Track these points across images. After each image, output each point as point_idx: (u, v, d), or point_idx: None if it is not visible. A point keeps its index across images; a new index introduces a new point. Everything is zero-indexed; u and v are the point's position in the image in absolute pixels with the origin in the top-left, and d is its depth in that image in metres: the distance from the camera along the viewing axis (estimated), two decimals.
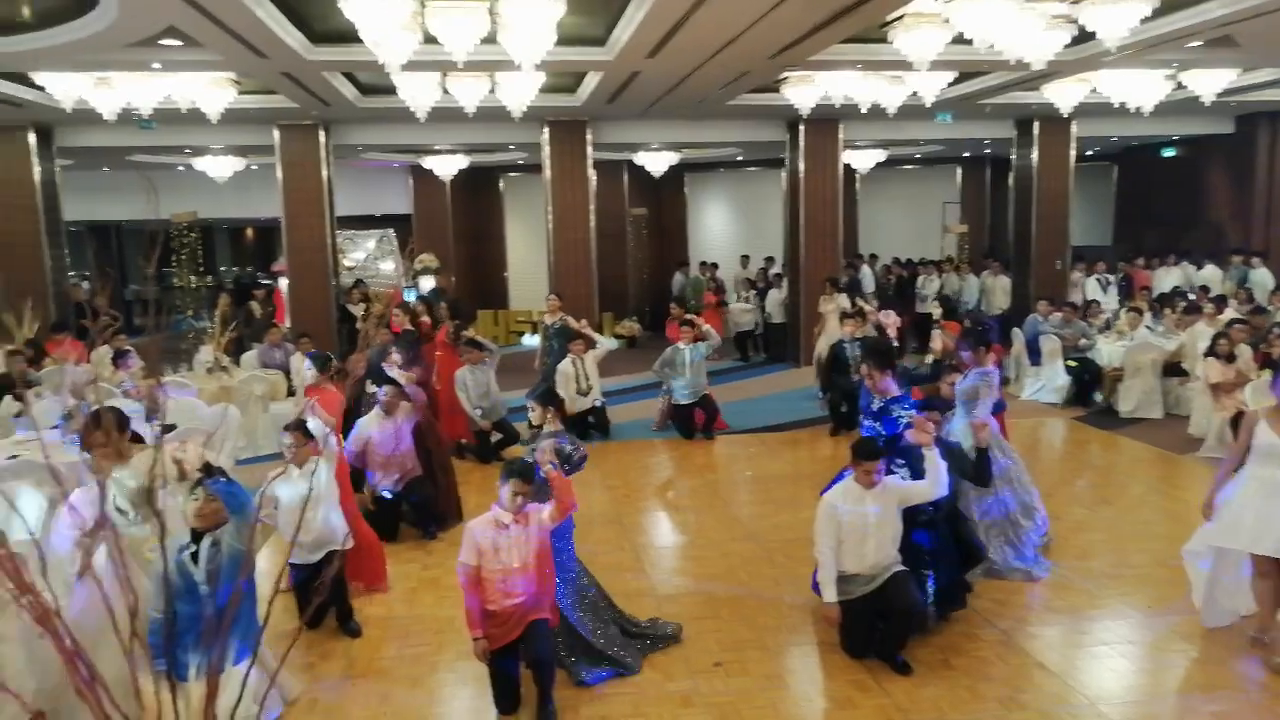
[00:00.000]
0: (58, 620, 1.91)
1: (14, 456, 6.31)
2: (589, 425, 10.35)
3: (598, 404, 10.35)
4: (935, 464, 5.09)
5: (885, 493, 5.04)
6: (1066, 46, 8.25)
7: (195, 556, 3.83)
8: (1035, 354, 12.11)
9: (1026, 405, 11.61)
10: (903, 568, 5.08)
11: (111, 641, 3.48)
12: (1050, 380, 11.84)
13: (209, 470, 3.88)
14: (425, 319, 10.40)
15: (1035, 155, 14.87)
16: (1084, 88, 11.15)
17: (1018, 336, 12.58)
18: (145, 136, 12.77)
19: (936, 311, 12.20)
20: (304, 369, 9.53)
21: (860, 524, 4.98)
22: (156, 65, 9.10)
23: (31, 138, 12.63)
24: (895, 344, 9.94)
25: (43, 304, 12.08)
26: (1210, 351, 9.35)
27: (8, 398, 8.63)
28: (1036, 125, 14.69)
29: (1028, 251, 15.25)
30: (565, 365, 10.18)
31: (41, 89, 10.05)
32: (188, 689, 2.18)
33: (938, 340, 9.19)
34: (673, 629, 5.37)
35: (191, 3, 6.93)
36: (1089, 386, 11.50)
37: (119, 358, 8.93)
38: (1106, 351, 11.38)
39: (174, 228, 13.48)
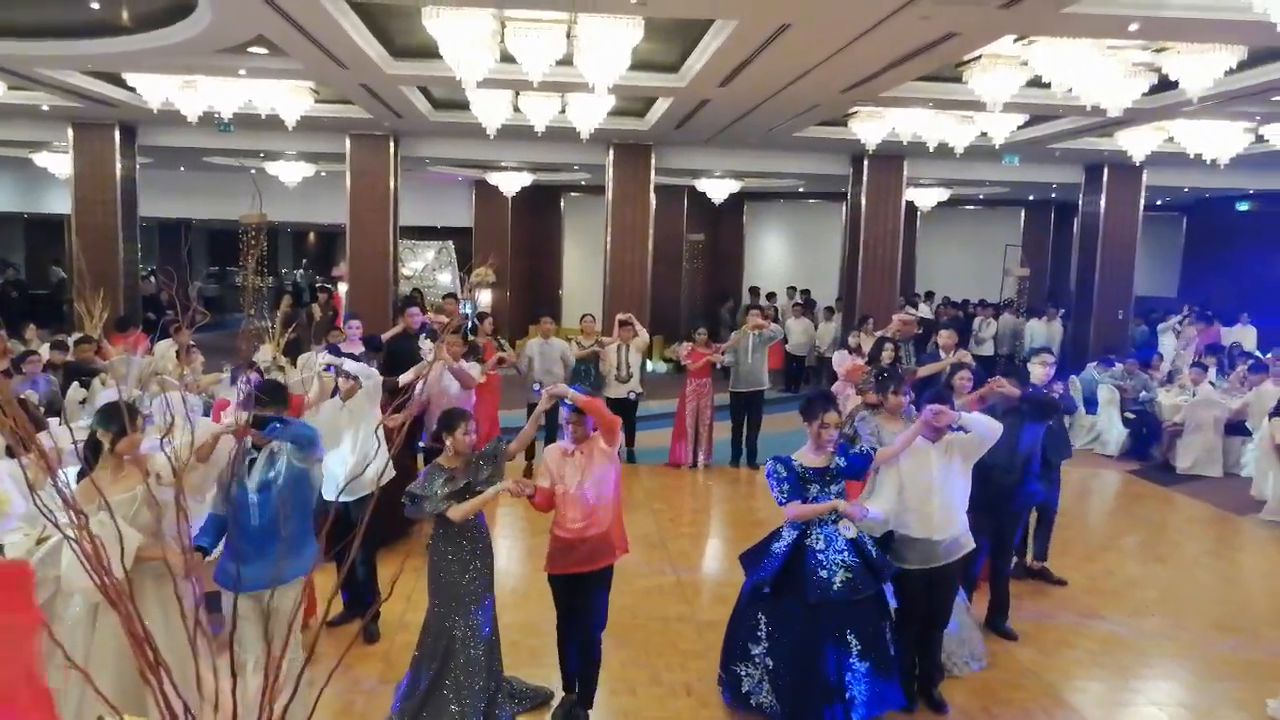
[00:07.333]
0: (129, 604, 1.96)
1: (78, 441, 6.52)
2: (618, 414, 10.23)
3: (631, 397, 9.91)
4: (971, 419, 4.71)
5: (950, 446, 4.71)
6: (1145, 94, 8.12)
7: (251, 465, 3.82)
8: (1092, 404, 11.90)
9: (1079, 455, 11.32)
10: (964, 555, 4.82)
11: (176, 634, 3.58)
12: (1105, 431, 11.60)
13: (260, 421, 3.83)
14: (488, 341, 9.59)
15: (1103, 202, 14.65)
16: (1159, 136, 10.95)
17: (1075, 385, 12.36)
18: (223, 139, 13.14)
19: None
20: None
21: (924, 478, 4.68)
22: (242, 71, 9.39)
23: (116, 135, 13.08)
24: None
25: (114, 296, 12.46)
26: (1276, 412, 9.10)
27: (75, 384, 8.94)
28: (1106, 172, 14.47)
29: (1090, 299, 15.01)
30: (610, 348, 9.92)
31: (132, 90, 10.42)
32: (245, 679, 2.18)
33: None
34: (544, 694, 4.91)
35: (281, 12, 7.14)
36: (1147, 440, 11.26)
37: (184, 352, 9.14)
38: (1167, 405, 11.14)
39: (242, 229, 13.82)
